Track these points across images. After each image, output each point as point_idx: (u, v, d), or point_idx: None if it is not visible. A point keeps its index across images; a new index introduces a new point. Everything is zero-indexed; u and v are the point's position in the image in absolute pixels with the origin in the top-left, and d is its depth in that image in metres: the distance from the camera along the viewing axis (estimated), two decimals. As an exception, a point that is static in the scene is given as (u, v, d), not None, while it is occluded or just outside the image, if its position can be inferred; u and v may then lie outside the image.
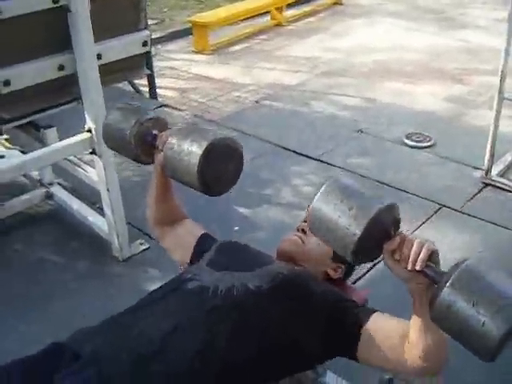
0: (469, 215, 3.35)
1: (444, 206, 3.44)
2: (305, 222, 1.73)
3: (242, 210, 3.51)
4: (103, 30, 2.55)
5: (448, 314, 1.05)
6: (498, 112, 3.51)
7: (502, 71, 3.38)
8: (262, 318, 1.40)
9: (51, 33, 2.46)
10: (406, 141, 4.25)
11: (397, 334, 1.31)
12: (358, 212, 1.12)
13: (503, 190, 3.60)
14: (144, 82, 4.68)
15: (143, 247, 3.12)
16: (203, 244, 1.72)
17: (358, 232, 1.11)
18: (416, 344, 1.24)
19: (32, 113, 2.60)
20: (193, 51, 6.42)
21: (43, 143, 2.96)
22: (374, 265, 2.89)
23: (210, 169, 1.48)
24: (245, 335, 1.38)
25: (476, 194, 3.59)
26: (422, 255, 1.11)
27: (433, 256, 1.12)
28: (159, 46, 6.40)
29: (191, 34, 6.56)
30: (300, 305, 1.43)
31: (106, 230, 3.03)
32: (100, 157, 2.77)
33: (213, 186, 1.54)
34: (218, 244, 1.67)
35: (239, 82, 5.55)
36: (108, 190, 2.85)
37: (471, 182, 3.72)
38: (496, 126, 3.54)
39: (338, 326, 1.40)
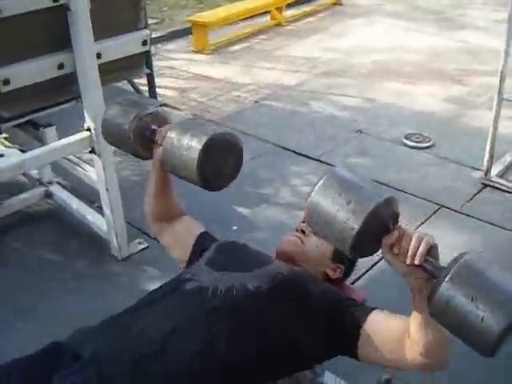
0: (468, 216, 3.36)
1: (443, 206, 3.44)
2: (304, 222, 1.73)
3: (240, 209, 3.51)
4: (103, 29, 2.55)
5: (447, 309, 1.04)
6: (498, 113, 3.51)
7: (502, 72, 3.38)
8: (261, 319, 1.40)
9: (51, 32, 2.46)
10: (406, 141, 4.25)
11: (396, 332, 1.31)
12: (356, 206, 1.11)
13: (502, 190, 3.61)
14: (143, 81, 4.67)
15: (142, 246, 3.12)
16: (202, 243, 1.71)
17: (357, 226, 1.10)
18: (416, 340, 1.24)
19: (31, 111, 2.60)
20: (192, 51, 6.42)
21: (42, 142, 2.96)
22: (373, 265, 2.90)
23: (209, 163, 1.47)
24: (244, 336, 1.38)
25: (475, 195, 3.59)
26: (420, 249, 1.10)
27: (432, 250, 1.11)
28: (159, 46, 6.39)
29: (191, 33, 6.56)
30: (299, 305, 1.42)
31: (104, 229, 3.03)
32: (99, 156, 2.77)
33: (212, 181, 1.53)
34: (217, 244, 1.67)
35: (239, 81, 5.54)
36: (107, 189, 2.85)
37: (470, 183, 3.72)
38: (495, 127, 3.54)
39: (338, 327, 1.40)
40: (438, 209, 3.41)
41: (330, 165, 3.87)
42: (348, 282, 1.82)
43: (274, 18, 7.25)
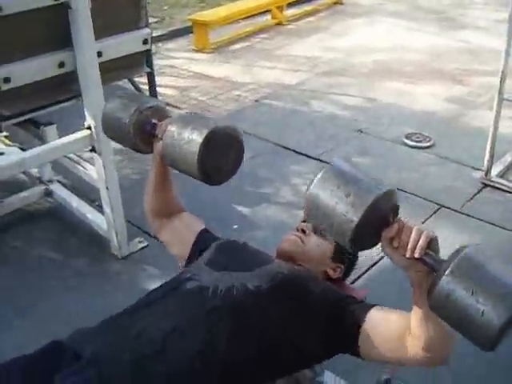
0: (468, 215, 3.36)
1: (443, 206, 3.44)
2: (304, 221, 1.73)
3: (240, 208, 3.51)
4: (104, 28, 2.55)
5: (447, 303, 1.03)
6: (498, 113, 3.51)
7: (502, 72, 3.38)
8: (261, 318, 1.40)
9: (51, 30, 2.46)
10: (406, 141, 4.25)
11: (397, 328, 1.30)
12: (355, 198, 1.10)
13: (502, 190, 3.61)
14: (144, 80, 4.67)
15: (142, 245, 3.12)
16: (202, 241, 1.71)
17: (356, 219, 1.09)
18: (418, 335, 1.23)
19: (32, 110, 2.60)
20: (193, 49, 6.42)
21: (43, 140, 2.96)
22: (373, 265, 2.90)
23: (210, 157, 1.46)
24: (244, 335, 1.38)
25: (475, 195, 3.59)
26: (420, 242, 1.09)
27: (432, 243, 1.10)
28: (159, 44, 6.40)
29: (192, 32, 6.56)
30: (300, 304, 1.42)
31: (105, 228, 3.03)
32: (100, 154, 2.77)
33: (213, 175, 1.52)
34: (218, 243, 1.66)
35: (239, 80, 5.54)
36: (107, 187, 2.85)
37: (471, 183, 3.72)
38: (496, 127, 3.54)
39: (338, 325, 1.40)
40: (438, 208, 3.41)
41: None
42: (347, 281, 1.82)
43: (275, 17, 7.25)
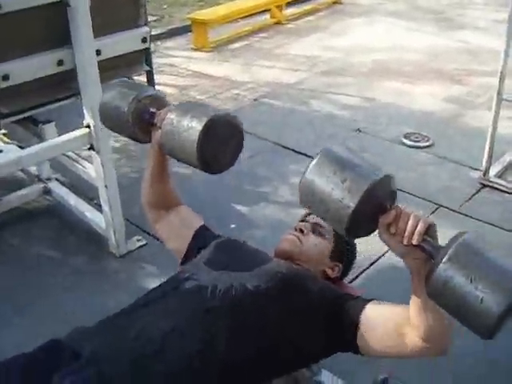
0: (466, 216, 3.36)
1: (441, 206, 3.44)
2: (302, 221, 1.73)
3: (239, 207, 3.51)
4: (103, 26, 2.55)
5: (444, 290, 1.01)
6: (497, 113, 3.51)
7: (501, 72, 3.38)
8: (260, 318, 1.40)
9: (51, 28, 2.46)
10: (405, 140, 4.25)
11: (395, 320, 1.30)
12: (351, 184, 1.07)
13: (501, 191, 3.61)
14: (143, 78, 4.67)
15: (140, 244, 3.12)
16: (201, 238, 1.70)
17: (352, 205, 1.06)
18: (417, 325, 1.22)
19: (30, 108, 2.60)
20: (192, 48, 6.42)
21: (41, 138, 2.96)
22: (370, 265, 2.90)
23: (209, 145, 1.44)
24: (243, 335, 1.38)
25: (474, 195, 3.60)
26: (418, 228, 1.07)
27: (430, 230, 1.09)
28: (158, 43, 6.39)
29: (191, 31, 6.56)
30: (298, 303, 1.43)
31: (103, 226, 3.03)
32: (98, 153, 2.77)
33: (212, 164, 1.50)
34: (217, 242, 1.66)
35: (238, 79, 5.54)
36: (106, 186, 2.85)
37: (469, 183, 3.72)
38: (494, 127, 3.55)
39: (336, 323, 1.40)
40: (437, 208, 3.42)
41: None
42: (345, 281, 1.82)
43: (274, 16, 7.24)
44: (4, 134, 3.38)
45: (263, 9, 7.25)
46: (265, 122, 4.57)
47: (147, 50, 2.94)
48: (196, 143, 1.41)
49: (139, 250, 3.10)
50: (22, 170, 3.49)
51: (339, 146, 1.19)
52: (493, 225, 3.26)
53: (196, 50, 6.37)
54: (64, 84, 2.60)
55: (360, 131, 4.44)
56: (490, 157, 3.63)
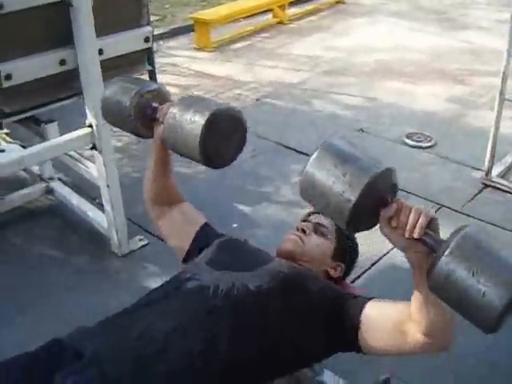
0: (468, 216, 3.35)
1: (444, 206, 3.44)
2: (304, 221, 1.73)
3: (241, 207, 3.51)
4: (105, 26, 2.55)
5: (446, 284, 1.00)
6: (499, 113, 3.51)
7: (504, 72, 3.38)
8: (261, 318, 1.40)
9: (53, 27, 2.46)
10: (407, 140, 4.25)
11: (396, 317, 1.29)
12: (352, 177, 1.07)
13: (503, 191, 3.60)
14: (145, 78, 4.68)
15: (142, 243, 3.12)
16: (203, 237, 1.70)
17: (353, 198, 1.05)
18: (418, 320, 1.21)
19: (33, 107, 2.60)
20: (194, 48, 6.42)
21: (43, 138, 2.96)
22: (372, 265, 2.90)
23: (212, 140, 1.43)
24: (245, 335, 1.38)
25: (476, 195, 3.59)
26: (420, 222, 1.06)
27: (432, 223, 1.08)
28: (161, 43, 6.39)
29: (193, 30, 6.56)
30: (299, 303, 1.43)
31: (105, 226, 3.03)
32: (100, 152, 2.77)
33: (214, 159, 1.49)
34: (219, 242, 1.65)
35: (240, 79, 5.54)
36: (108, 185, 2.85)
37: (471, 183, 3.72)
38: (497, 127, 3.54)
39: (337, 322, 1.40)
40: (439, 208, 3.41)
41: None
42: (347, 281, 1.82)
43: (277, 16, 7.24)
44: (6, 134, 3.38)
45: (265, 9, 7.25)
46: (267, 122, 4.57)
47: (150, 49, 2.95)
48: (199, 137, 1.40)
49: (141, 250, 3.10)
50: (24, 170, 3.49)
51: (340, 139, 1.18)
52: (495, 225, 3.25)
53: (198, 49, 6.37)
54: (66, 84, 2.60)
55: (362, 131, 4.44)
56: (493, 157, 3.62)
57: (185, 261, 1.71)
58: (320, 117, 4.71)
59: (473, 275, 0.97)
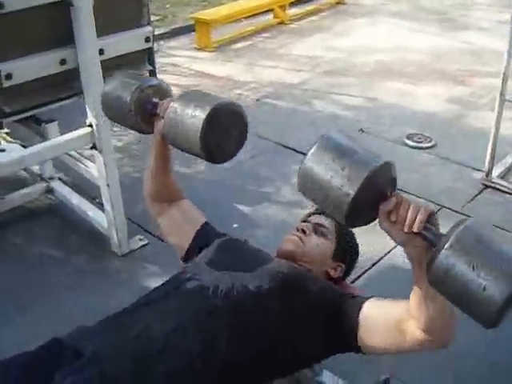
0: (468, 216, 3.35)
1: (444, 206, 3.44)
2: (304, 222, 1.73)
3: (241, 207, 3.51)
4: (105, 26, 2.55)
5: (446, 278, 0.99)
6: (500, 114, 3.51)
7: (504, 73, 3.38)
8: (261, 318, 1.40)
9: (53, 27, 2.46)
10: (407, 141, 4.25)
11: (395, 315, 1.29)
12: (351, 171, 1.06)
13: (503, 192, 3.60)
14: (146, 78, 4.69)
15: (142, 243, 3.12)
16: (203, 237, 1.70)
17: (352, 192, 1.04)
18: (417, 316, 1.21)
19: (33, 107, 2.60)
20: (195, 48, 6.42)
21: (44, 137, 2.96)
22: (372, 265, 2.90)
23: (213, 134, 1.42)
24: (244, 335, 1.38)
25: (476, 196, 3.59)
26: (420, 216, 1.05)
27: (431, 218, 1.07)
28: (161, 43, 6.39)
29: (194, 30, 6.55)
30: (298, 304, 1.43)
31: (105, 226, 3.03)
32: (100, 152, 2.77)
33: (215, 153, 1.48)
34: (219, 242, 1.65)
35: (241, 79, 5.54)
36: (108, 185, 2.85)
37: (471, 184, 3.72)
38: (497, 128, 3.54)
39: (336, 324, 1.40)
40: (439, 209, 3.41)
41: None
42: (347, 281, 1.82)
43: (277, 16, 7.24)
44: (7, 133, 3.38)
45: (266, 9, 7.25)
46: (267, 122, 4.57)
47: (150, 49, 2.95)
48: (199, 132, 1.40)
49: (141, 250, 3.10)
50: (24, 169, 3.49)
51: (338, 133, 1.17)
52: (495, 226, 3.23)
53: (199, 49, 6.37)
54: (67, 83, 2.60)
55: (363, 131, 4.43)
56: (493, 158, 3.62)
57: (185, 260, 1.71)
58: (320, 117, 4.71)
59: (473, 269, 0.96)
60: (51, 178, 3.51)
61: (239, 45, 6.57)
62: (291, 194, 3.55)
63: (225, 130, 1.47)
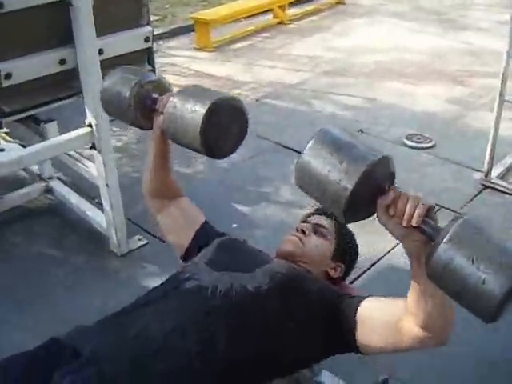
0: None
1: (443, 207, 3.44)
2: (303, 222, 1.73)
3: (240, 207, 3.51)
4: (105, 25, 2.55)
5: (445, 272, 0.97)
6: (499, 114, 3.51)
7: (504, 74, 3.38)
8: (259, 319, 1.40)
9: (53, 27, 2.46)
10: (407, 141, 4.25)
11: (391, 314, 1.28)
12: (349, 165, 1.05)
13: (502, 192, 3.61)
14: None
15: (141, 243, 3.12)
16: (203, 236, 1.69)
17: (350, 186, 1.03)
18: (415, 313, 1.19)
19: (32, 107, 2.60)
20: (195, 48, 6.42)
21: (43, 137, 2.96)
22: (372, 265, 2.90)
23: (213, 130, 1.41)
24: (243, 335, 1.38)
25: (475, 196, 3.60)
26: (418, 210, 1.04)
27: (430, 212, 1.05)
28: (161, 42, 6.39)
29: (193, 30, 6.55)
30: (297, 305, 1.43)
31: (104, 225, 3.03)
32: (100, 152, 2.77)
33: (215, 148, 1.47)
34: (219, 242, 1.65)
35: (240, 79, 5.54)
36: (107, 185, 2.85)
37: (471, 184, 3.72)
38: (496, 129, 3.54)
39: (335, 325, 1.40)
40: (438, 209, 3.40)
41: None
42: (346, 281, 1.82)
43: (277, 16, 7.24)
44: (6, 133, 3.38)
45: (266, 9, 7.24)
46: (266, 122, 4.57)
47: (150, 49, 2.94)
48: (199, 127, 1.39)
49: (140, 250, 3.10)
50: (23, 169, 3.49)
51: (336, 127, 1.16)
52: (494, 226, 3.26)
53: (198, 49, 6.37)
54: (66, 83, 2.60)
55: (362, 132, 4.43)
56: (492, 158, 3.62)
57: (184, 259, 1.70)
58: (320, 117, 4.71)
59: (472, 262, 0.95)
60: (50, 178, 3.51)
61: (239, 45, 6.57)
62: (290, 194, 3.56)
63: (225, 125, 1.46)
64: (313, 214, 1.77)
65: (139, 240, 3.13)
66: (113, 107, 1.65)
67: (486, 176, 3.67)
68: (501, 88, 3.43)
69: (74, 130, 2.76)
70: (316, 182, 1.09)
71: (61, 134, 2.89)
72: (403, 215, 1.05)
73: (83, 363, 1.31)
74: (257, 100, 5.07)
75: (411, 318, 1.22)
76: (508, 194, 3.59)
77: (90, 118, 2.70)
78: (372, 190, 1.08)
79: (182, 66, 5.91)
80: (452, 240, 0.97)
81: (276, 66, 5.91)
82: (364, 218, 1.13)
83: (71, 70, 2.55)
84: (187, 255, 1.69)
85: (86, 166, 3.14)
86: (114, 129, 3.95)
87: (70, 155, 3.24)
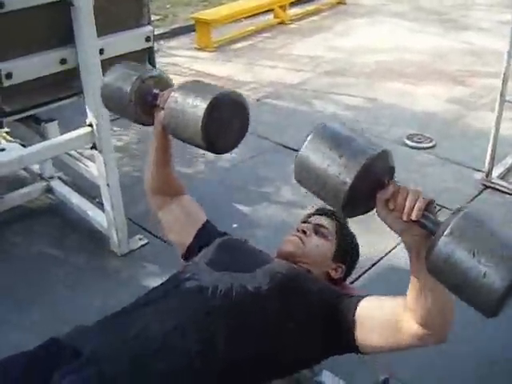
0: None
1: (443, 207, 3.43)
2: (304, 222, 1.73)
3: (241, 207, 3.51)
4: (106, 25, 2.55)
5: (446, 266, 0.96)
6: (500, 114, 3.51)
7: (505, 74, 3.38)
8: (259, 319, 1.40)
9: (54, 26, 2.46)
10: (407, 141, 4.25)
11: (390, 313, 1.28)
12: (348, 160, 1.04)
13: (503, 192, 3.60)
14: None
15: (142, 243, 3.12)
16: (204, 236, 1.69)
17: (349, 180, 1.03)
18: (414, 309, 1.19)
19: (33, 106, 2.60)
20: (195, 48, 6.42)
21: (44, 137, 2.97)
22: (372, 265, 2.90)
23: (214, 124, 1.41)
24: (243, 335, 1.38)
25: (476, 196, 3.59)
26: (418, 204, 1.03)
27: (430, 206, 1.05)
28: (162, 42, 6.40)
29: (194, 30, 6.55)
30: (297, 305, 1.42)
31: (105, 225, 3.03)
32: (100, 152, 2.77)
33: (216, 143, 1.46)
34: (220, 241, 1.65)
35: (241, 79, 5.54)
36: (108, 185, 2.85)
37: (471, 184, 3.72)
38: (497, 129, 3.54)
39: (334, 325, 1.39)
40: (439, 210, 3.41)
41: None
42: (347, 281, 1.82)
43: (278, 16, 7.24)
44: (7, 133, 3.38)
45: (266, 9, 7.25)
46: (267, 122, 4.57)
47: (150, 49, 2.94)
48: (201, 122, 1.38)
49: (141, 249, 3.10)
50: (24, 169, 3.49)
51: (334, 121, 1.16)
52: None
53: (199, 49, 6.37)
54: (67, 83, 2.60)
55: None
56: (493, 158, 3.62)
57: (186, 258, 1.70)
58: (320, 117, 4.70)
59: (473, 256, 0.94)
60: (51, 178, 3.51)
61: (239, 45, 6.57)
62: (291, 194, 3.55)
63: (226, 120, 1.45)
64: (314, 214, 1.77)
65: (140, 240, 3.13)
66: (113, 103, 1.64)
67: (487, 176, 3.67)
68: (502, 88, 3.43)
69: (74, 129, 2.77)
70: (315, 177, 1.08)
71: (61, 133, 2.90)
72: (403, 209, 1.05)
73: (83, 363, 1.31)
74: (257, 100, 5.07)
75: (411, 315, 1.21)
76: (509, 194, 3.58)
77: (90, 118, 2.70)
78: (371, 184, 1.07)
79: (182, 65, 5.91)
80: (453, 233, 0.96)
81: (277, 65, 5.91)
82: (363, 213, 1.13)
83: (72, 69, 2.55)
84: (188, 253, 1.69)
85: (86, 165, 3.14)
86: (115, 128, 3.95)
87: (70, 155, 3.24)
